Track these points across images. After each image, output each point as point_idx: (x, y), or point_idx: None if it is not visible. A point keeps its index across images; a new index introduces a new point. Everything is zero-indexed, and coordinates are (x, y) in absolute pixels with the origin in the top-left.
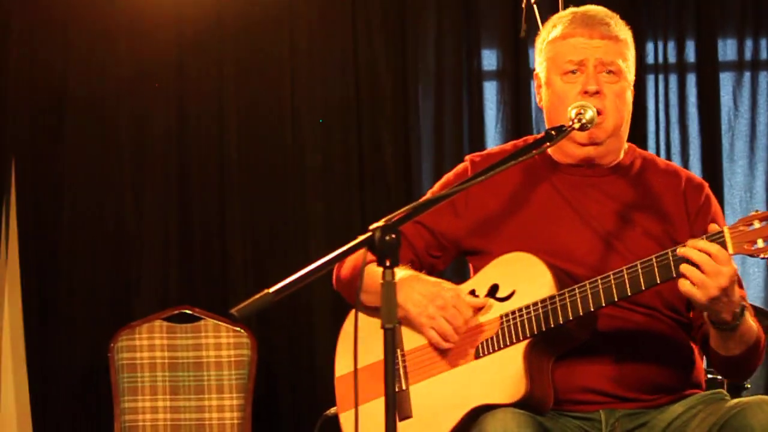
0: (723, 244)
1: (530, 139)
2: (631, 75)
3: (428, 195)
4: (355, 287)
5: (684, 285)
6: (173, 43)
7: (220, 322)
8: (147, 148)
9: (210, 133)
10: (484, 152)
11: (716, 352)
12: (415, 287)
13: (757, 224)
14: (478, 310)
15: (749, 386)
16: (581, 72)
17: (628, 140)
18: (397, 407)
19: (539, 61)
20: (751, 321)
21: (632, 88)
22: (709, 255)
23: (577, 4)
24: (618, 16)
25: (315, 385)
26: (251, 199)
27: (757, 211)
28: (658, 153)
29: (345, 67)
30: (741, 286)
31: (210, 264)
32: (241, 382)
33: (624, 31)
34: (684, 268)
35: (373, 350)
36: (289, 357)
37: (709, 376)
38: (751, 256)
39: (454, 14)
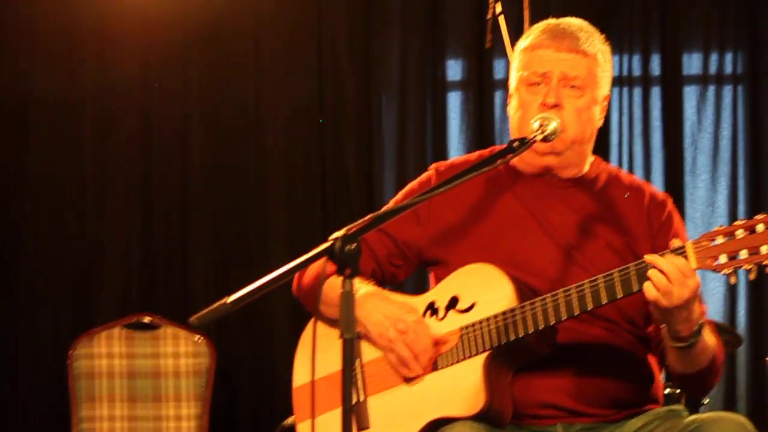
0: (681, 257)
1: (496, 149)
2: (601, 90)
3: (391, 204)
4: (314, 297)
5: (650, 291)
6: (139, 51)
7: (178, 331)
8: (110, 155)
9: (173, 141)
10: (449, 162)
11: (673, 369)
12: (378, 306)
13: (720, 240)
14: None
15: (707, 401)
16: (545, 84)
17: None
18: (354, 418)
19: (511, 69)
20: (708, 339)
21: (603, 105)
22: (676, 266)
23: (544, 16)
24: (595, 32)
25: (274, 394)
26: (213, 208)
27: (720, 226)
28: (620, 165)
29: (309, 75)
30: (702, 302)
31: (171, 272)
32: (199, 391)
33: (596, 46)
34: (652, 273)
35: (331, 361)
36: (248, 366)
37: (667, 391)
38: (714, 271)
39: (418, 24)
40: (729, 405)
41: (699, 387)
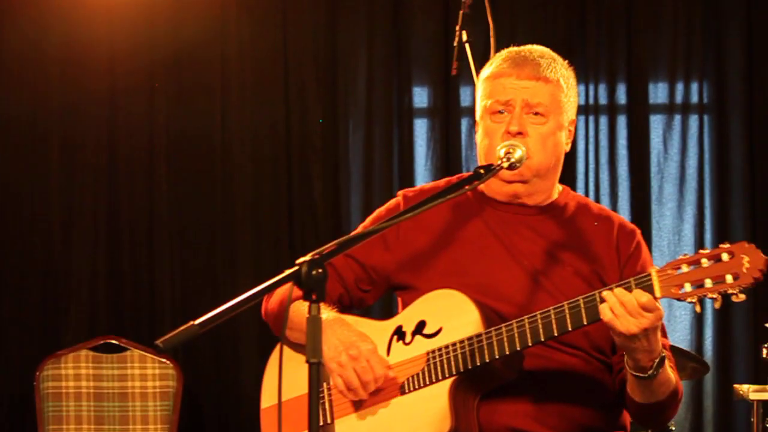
0: (650, 287)
1: (464, 176)
2: (565, 116)
3: (359, 229)
4: (280, 320)
5: (605, 313)
6: (105, 72)
7: (146, 353)
8: (76, 177)
9: (140, 164)
10: (417, 188)
11: (632, 399)
12: (336, 331)
13: (684, 268)
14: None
15: (674, 428)
16: (509, 112)
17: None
18: None
19: (476, 98)
20: (669, 372)
21: (569, 129)
22: (637, 300)
23: (509, 43)
24: (557, 58)
25: (240, 416)
26: (180, 231)
27: (685, 255)
28: (587, 194)
29: (275, 100)
30: (665, 335)
31: (138, 294)
32: (166, 414)
33: (559, 73)
34: (611, 301)
35: (299, 383)
36: (215, 388)
37: None
38: (678, 299)
39: (385, 50)
40: None
41: (655, 419)
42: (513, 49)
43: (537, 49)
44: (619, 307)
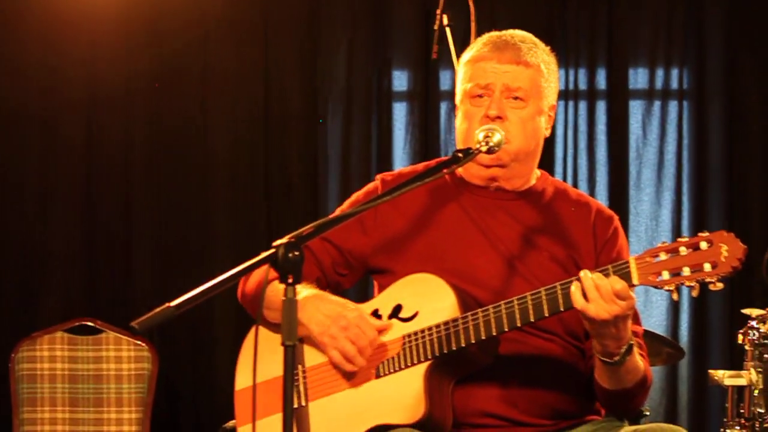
0: (628, 275)
1: (442, 160)
2: (546, 101)
3: (337, 212)
4: (258, 302)
5: (577, 299)
6: (83, 55)
7: (121, 335)
8: (53, 159)
9: (117, 146)
10: (396, 171)
11: (599, 384)
12: (319, 307)
13: (663, 256)
14: (381, 331)
15: (648, 413)
16: (488, 96)
17: (538, 167)
18: (295, 424)
19: (456, 82)
20: (638, 360)
21: (549, 114)
22: (612, 286)
23: (490, 27)
24: (538, 42)
25: (215, 399)
26: (157, 213)
27: (664, 242)
28: (565, 179)
29: (255, 83)
30: (638, 322)
31: (114, 277)
32: (141, 396)
33: (539, 57)
34: (587, 285)
35: (274, 365)
36: (190, 371)
37: None
38: (656, 287)
39: (365, 34)
40: (670, 418)
41: (623, 406)
42: (494, 33)
43: (518, 33)
44: (593, 291)
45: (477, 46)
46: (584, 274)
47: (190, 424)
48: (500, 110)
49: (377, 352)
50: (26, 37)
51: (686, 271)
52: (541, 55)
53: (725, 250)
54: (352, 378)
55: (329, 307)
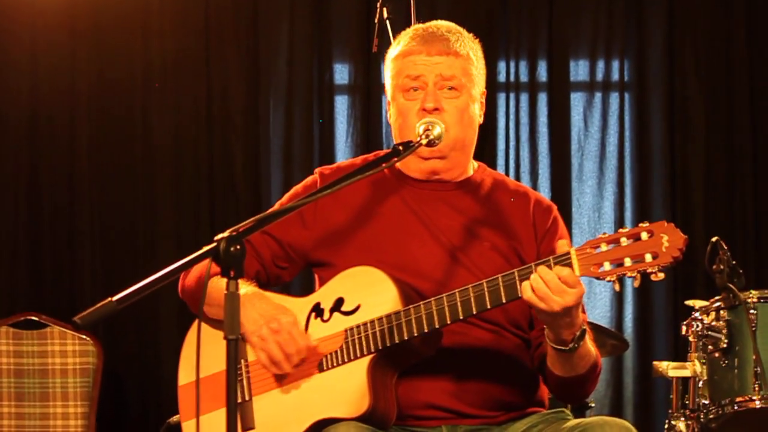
0: (569, 266)
1: (381, 153)
2: (477, 89)
3: (276, 206)
4: (198, 298)
5: (526, 292)
6: (26, 46)
7: (66, 330)
8: None
9: (61, 140)
10: (334, 165)
11: (551, 372)
12: (255, 305)
13: (604, 247)
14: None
15: (593, 405)
16: (422, 89)
17: (478, 157)
18: (239, 418)
19: (386, 77)
20: (590, 346)
21: (481, 101)
22: (558, 276)
23: (431, 20)
24: (463, 31)
25: (161, 393)
26: (101, 208)
27: (604, 233)
28: (507, 171)
29: (197, 77)
30: (584, 311)
31: (58, 271)
32: (86, 390)
33: (467, 46)
34: (534, 279)
35: (216, 360)
36: (135, 365)
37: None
38: (597, 278)
39: (306, 27)
40: (616, 410)
41: (575, 393)
42: (418, 26)
43: (443, 24)
44: (542, 287)
45: (403, 40)
46: (534, 277)
47: (136, 417)
48: (437, 102)
49: (319, 346)
50: None
51: (627, 261)
52: (468, 43)
53: (666, 240)
54: (295, 372)
55: (265, 308)
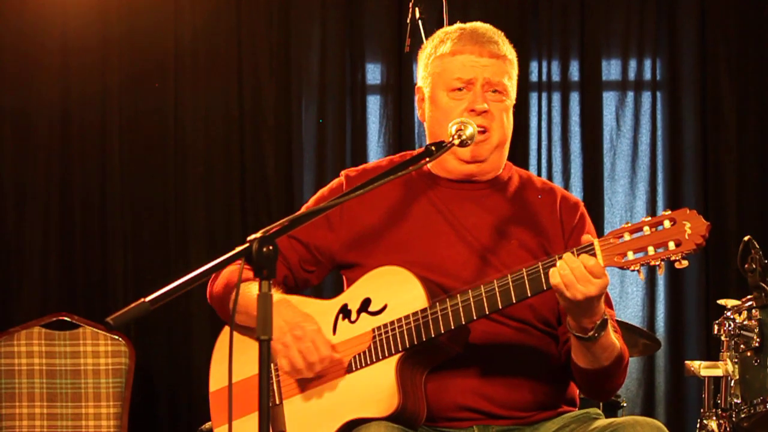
0: (593, 257)
1: (407, 154)
2: (514, 93)
3: (303, 209)
4: (226, 304)
5: (554, 278)
6: (58, 49)
7: (98, 330)
8: (29, 155)
9: (93, 141)
10: (360, 167)
11: (576, 364)
12: (281, 312)
13: (627, 237)
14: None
15: (625, 405)
16: (468, 90)
17: (510, 157)
18: (270, 422)
19: (423, 75)
20: (613, 338)
21: (514, 106)
22: (584, 266)
23: (463, 20)
24: (503, 34)
25: (193, 393)
26: (133, 208)
27: (627, 223)
28: (539, 170)
29: (229, 77)
30: (610, 306)
31: (90, 271)
32: (118, 391)
33: (510, 50)
34: (560, 265)
35: (246, 365)
36: (167, 365)
37: None
38: (621, 268)
39: (339, 27)
40: (648, 409)
41: (600, 386)
42: (462, 26)
43: (488, 26)
44: (568, 273)
45: (451, 39)
46: (561, 264)
47: (168, 417)
48: (487, 104)
49: (348, 347)
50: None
51: (651, 250)
52: (511, 48)
53: (688, 227)
54: (324, 374)
55: (290, 315)
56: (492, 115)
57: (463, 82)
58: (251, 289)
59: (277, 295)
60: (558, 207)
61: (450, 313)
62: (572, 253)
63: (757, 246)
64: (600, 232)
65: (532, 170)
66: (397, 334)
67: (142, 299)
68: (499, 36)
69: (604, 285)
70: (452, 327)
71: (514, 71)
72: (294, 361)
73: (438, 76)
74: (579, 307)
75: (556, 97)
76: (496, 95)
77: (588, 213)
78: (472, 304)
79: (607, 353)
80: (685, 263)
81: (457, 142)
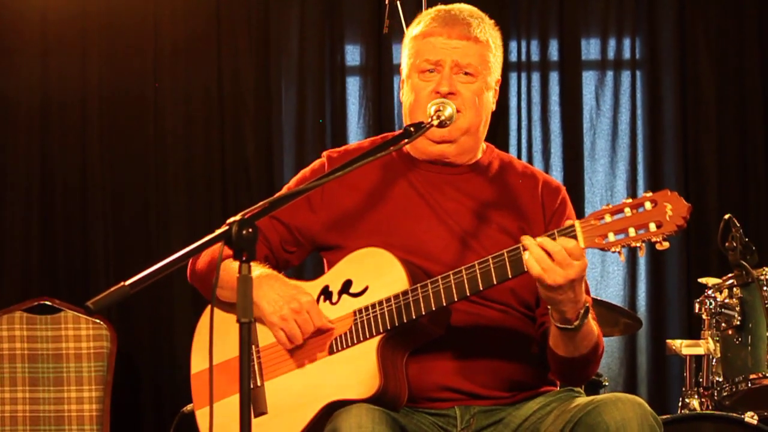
0: (574, 238)
1: (389, 135)
2: (493, 76)
3: (284, 190)
4: (209, 281)
5: (533, 267)
6: (36, 31)
7: (79, 314)
8: (8, 139)
9: (73, 124)
10: (341, 148)
11: (554, 353)
12: (274, 286)
13: (608, 218)
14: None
15: (607, 384)
16: (438, 72)
17: (491, 138)
18: (252, 403)
19: (403, 56)
20: (593, 325)
21: (495, 89)
22: (563, 247)
23: (445, 2)
24: (485, 17)
25: (175, 377)
26: (113, 192)
27: (608, 204)
28: (519, 151)
29: (208, 60)
30: (588, 293)
31: (71, 255)
32: (100, 374)
33: (488, 32)
34: (537, 252)
35: (227, 347)
36: (149, 349)
37: None
38: (602, 249)
39: (317, 9)
40: (629, 388)
41: (577, 374)
42: (441, 7)
43: (466, 8)
44: (546, 260)
45: (424, 20)
46: (530, 242)
47: (150, 401)
48: (451, 86)
49: (329, 328)
50: None
51: (632, 231)
52: (489, 30)
53: (669, 209)
54: (306, 355)
55: (284, 288)
56: (460, 96)
57: (431, 63)
58: (235, 267)
59: (264, 269)
60: (539, 191)
61: (431, 295)
62: (554, 234)
63: (738, 224)
64: (580, 212)
65: (512, 150)
66: (378, 316)
67: (122, 283)
68: (475, 18)
69: (583, 267)
70: (433, 309)
71: (491, 54)
72: (292, 333)
73: (411, 58)
74: (560, 294)
75: (536, 77)
76: (467, 77)
77: (568, 192)
78: (453, 285)
79: (586, 341)
80: (666, 245)
81: (435, 122)
